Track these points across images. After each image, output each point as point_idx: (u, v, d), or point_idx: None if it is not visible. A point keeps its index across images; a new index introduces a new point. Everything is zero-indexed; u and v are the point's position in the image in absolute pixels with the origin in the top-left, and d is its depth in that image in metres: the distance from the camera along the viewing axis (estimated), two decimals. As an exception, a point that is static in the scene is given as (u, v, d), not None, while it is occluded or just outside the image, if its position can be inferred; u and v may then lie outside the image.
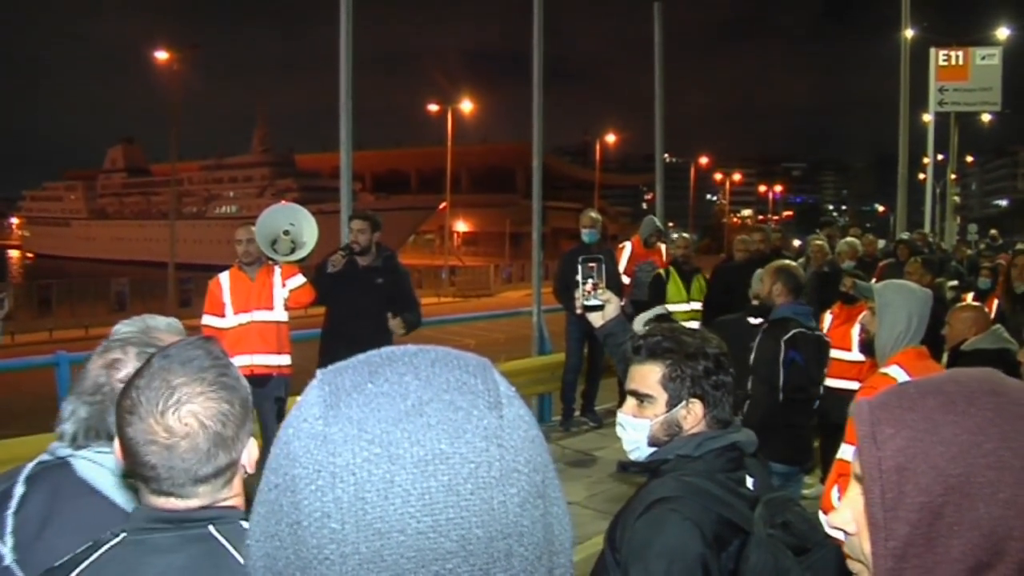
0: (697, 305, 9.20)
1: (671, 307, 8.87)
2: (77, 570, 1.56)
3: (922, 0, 22.87)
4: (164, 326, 2.77)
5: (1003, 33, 26.05)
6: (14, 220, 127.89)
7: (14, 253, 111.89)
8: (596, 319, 3.32)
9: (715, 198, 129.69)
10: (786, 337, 5.37)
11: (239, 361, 6.67)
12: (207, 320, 6.87)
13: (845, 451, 3.75)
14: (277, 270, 6.90)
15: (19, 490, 1.99)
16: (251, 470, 1.67)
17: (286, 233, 6.89)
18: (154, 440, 1.54)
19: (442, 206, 63.19)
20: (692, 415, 2.46)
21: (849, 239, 10.43)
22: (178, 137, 42.44)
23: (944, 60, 21.40)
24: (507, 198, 79.00)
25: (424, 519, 0.67)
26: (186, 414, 1.55)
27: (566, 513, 0.77)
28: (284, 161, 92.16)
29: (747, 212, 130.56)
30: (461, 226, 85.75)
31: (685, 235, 9.60)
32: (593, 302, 3.30)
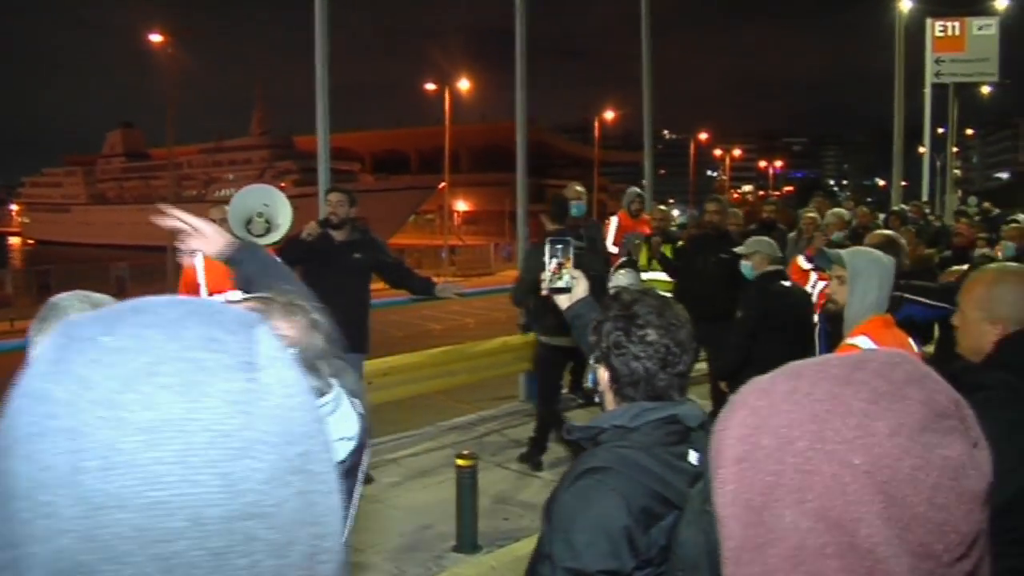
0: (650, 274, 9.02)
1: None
2: None
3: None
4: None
5: (1001, 3, 25.86)
6: (14, 207, 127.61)
7: (15, 240, 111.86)
8: (563, 301, 3.20)
9: (716, 174, 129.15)
10: None
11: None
12: (182, 301, 6.76)
13: None
14: (252, 250, 6.79)
15: None
16: None
17: (260, 215, 6.78)
18: None
19: (441, 186, 62.89)
20: (602, 381, 2.44)
21: (836, 210, 10.29)
22: (173, 121, 42.27)
23: (941, 31, 21.22)
24: (507, 176, 78.32)
25: (150, 494, 0.58)
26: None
27: (335, 492, 0.68)
28: (283, 143, 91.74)
29: (748, 188, 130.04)
30: (461, 205, 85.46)
31: (662, 207, 9.48)
32: (559, 284, 3.16)
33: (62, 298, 2.65)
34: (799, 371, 0.91)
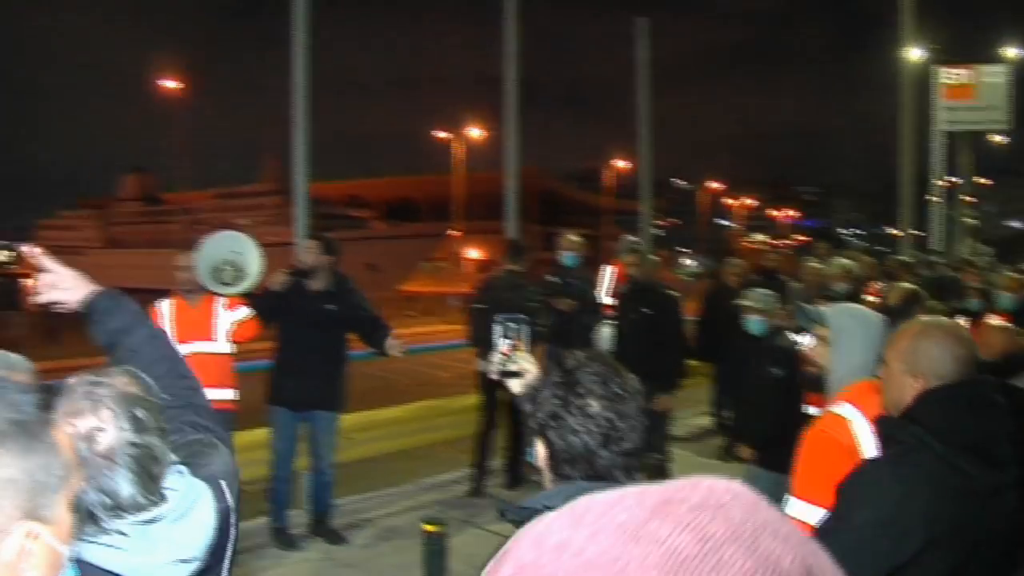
0: None
1: None
2: None
3: (933, 20, 22.45)
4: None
5: (1010, 52, 25.64)
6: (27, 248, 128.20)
7: (30, 281, 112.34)
8: (515, 386, 2.87)
9: (727, 223, 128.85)
10: None
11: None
12: (145, 351, 6.46)
13: (791, 505, 3.03)
14: (221, 299, 6.51)
15: None
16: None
17: (229, 263, 6.49)
18: None
19: (452, 233, 62.73)
20: (539, 456, 2.15)
21: (840, 260, 9.87)
22: (186, 166, 42.48)
23: (950, 79, 20.96)
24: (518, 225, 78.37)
25: None
26: None
27: None
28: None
29: (760, 237, 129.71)
30: (473, 253, 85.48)
31: (652, 257, 9.18)
32: (511, 367, 2.85)
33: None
34: (583, 513, 0.60)
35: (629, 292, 8.10)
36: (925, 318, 2.97)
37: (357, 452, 7.83)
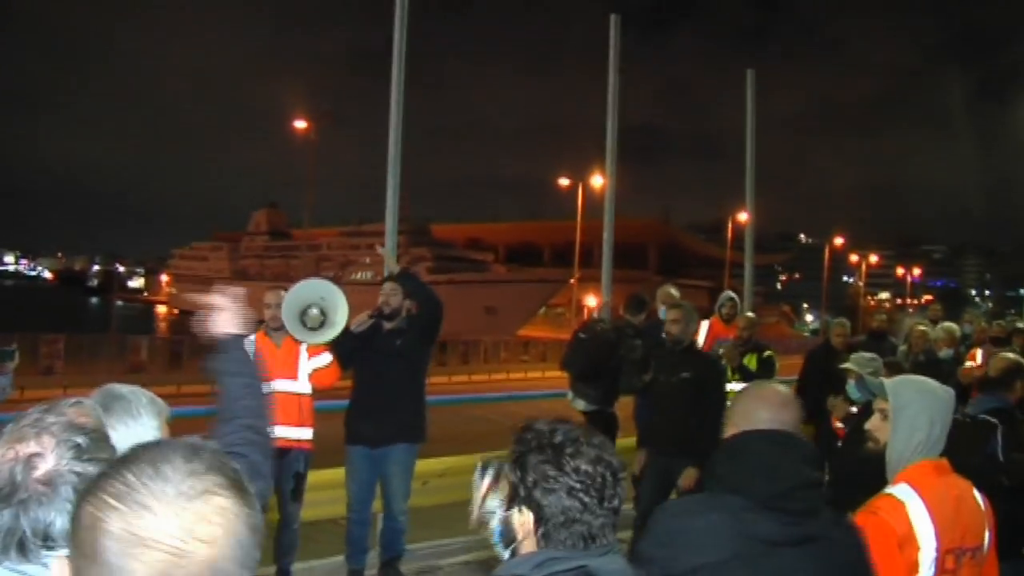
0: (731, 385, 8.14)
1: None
2: None
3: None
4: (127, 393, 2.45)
5: None
6: (164, 277, 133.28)
7: (162, 308, 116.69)
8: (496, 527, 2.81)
9: (851, 280, 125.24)
10: None
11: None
12: (228, 385, 6.55)
13: None
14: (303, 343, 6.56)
15: None
16: None
17: (315, 308, 6.54)
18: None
19: (572, 280, 62.74)
20: (523, 526, 2.01)
21: (946, 324, 9.33)
22: (314, 202, 43.74)
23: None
24: (639, 274, 77.84)
25: None
26: (213, 512, 1.11)
27: None
28: (419, 230, 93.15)
29: (884, 295, 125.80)
30: (592, 301, 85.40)
31: (750, 315, 8.92)
32: (488, 508, 2.73)
33: (128, 391, 2.45)
34: None
35: (668, 354, 7.26)
36: (760, 382, 3.07)
37: (428, 499, 7.76)
